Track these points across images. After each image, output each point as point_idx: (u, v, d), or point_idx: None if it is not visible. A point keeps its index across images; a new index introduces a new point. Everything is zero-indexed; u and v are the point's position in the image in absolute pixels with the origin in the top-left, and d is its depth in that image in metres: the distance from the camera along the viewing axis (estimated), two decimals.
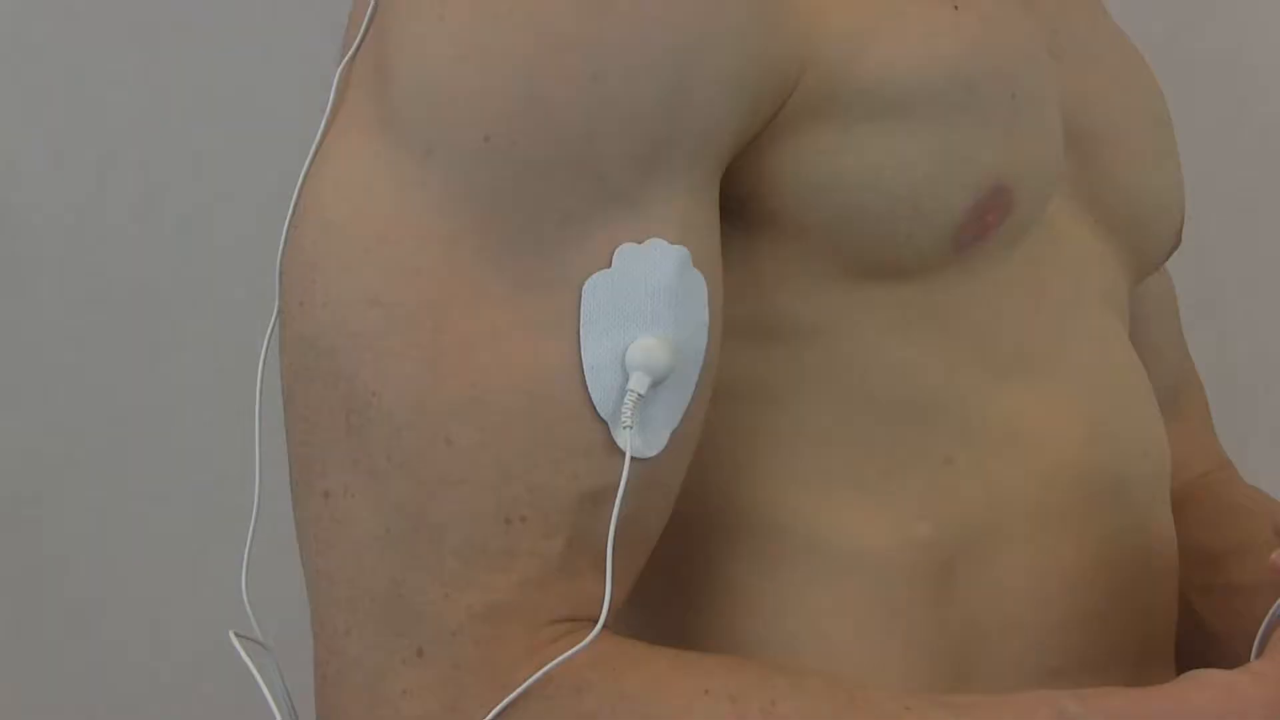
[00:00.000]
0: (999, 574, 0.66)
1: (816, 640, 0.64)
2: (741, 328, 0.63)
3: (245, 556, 0.62)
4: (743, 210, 0.62)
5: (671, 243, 0.56)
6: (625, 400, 0.55)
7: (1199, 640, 0.78)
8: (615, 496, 0.55)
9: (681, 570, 0.66)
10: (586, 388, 0.55)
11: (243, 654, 0.58)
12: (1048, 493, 0.67)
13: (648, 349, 0.55)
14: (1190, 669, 0.60)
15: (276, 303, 0.60)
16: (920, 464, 0.65)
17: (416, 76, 0.57)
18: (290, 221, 0.59)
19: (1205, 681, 0.58)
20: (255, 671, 0.57)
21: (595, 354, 0.55)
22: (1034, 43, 0.68)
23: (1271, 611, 0.61)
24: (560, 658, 0.54)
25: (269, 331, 0.62)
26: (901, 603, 0.64)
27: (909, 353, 0.65)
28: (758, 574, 0.65)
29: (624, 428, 0.55)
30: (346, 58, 0.61)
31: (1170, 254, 0.80)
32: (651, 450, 0.57)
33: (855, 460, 0.65)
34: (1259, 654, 0.61)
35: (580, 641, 0.54)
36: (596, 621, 0.55)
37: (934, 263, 0.64)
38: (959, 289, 0.65)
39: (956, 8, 0.63)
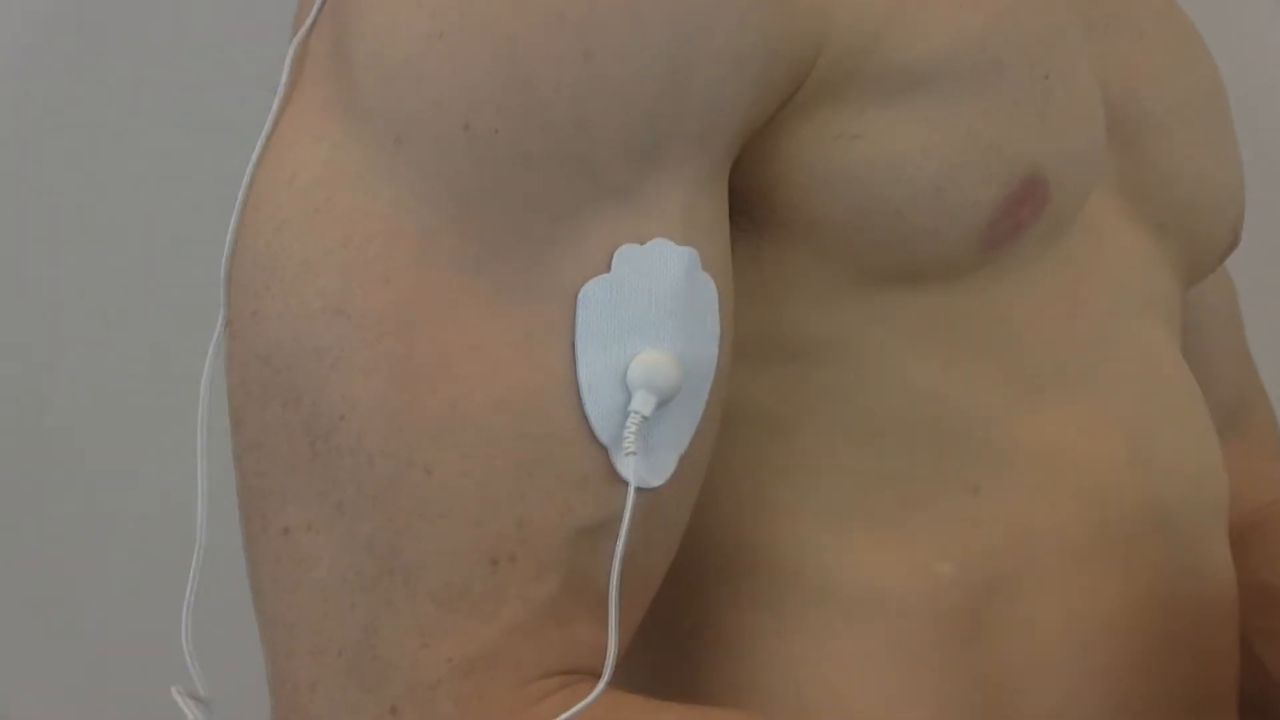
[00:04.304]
0: (1032, 616, 0.67)
1: (830, 692, 0.65)
2: (745, 345, 0.64)
3: (187, 601, 0.62)
4: (747, 208, 0.64)
5: (678, 243, 0.58)
6: (627, 423, 0.56)
7: (1264, 690, 0.79)
8: (616, 532, 0.56)
9: (680, 614, 0.67)
10: (583, 408, 0.56)
11: (187, 711, 0.59)
12: (1086, 526, 0.69)
13: (652, 364, 0.56)
14: None
15: (222, 313, 0.60)
16: (943, 494, 0.67)
17: (384, 55, 0.57)
18: (238, 220, 0.60)
19: None
20: None
21: (593, 370, 0.56)
22: (1070, 17, 0.69)
23: None
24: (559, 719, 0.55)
25: (213, 345, 0.62)
26: (924, 650, 0.66)
27: (931, 369, 0.67)
28: (763, 618, 0.66)
29: (626, 454, 0.56)
30: (301, 31, 0.61)
31: (1228, 254, 0.81)
32: (658, 479, 0.58)
33: (870, 491, 0.66)
34: None
35: (577, 698, 0.55)
36: (591, 673, 0.56)
37: (960, 265, 0.65)
38: (987, 296, 0.67)
39: None
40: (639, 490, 0.57)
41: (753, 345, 0.65)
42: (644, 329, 0.57)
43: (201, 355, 0.63)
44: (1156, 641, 0.70)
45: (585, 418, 0.56)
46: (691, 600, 0.67)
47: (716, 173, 0.60)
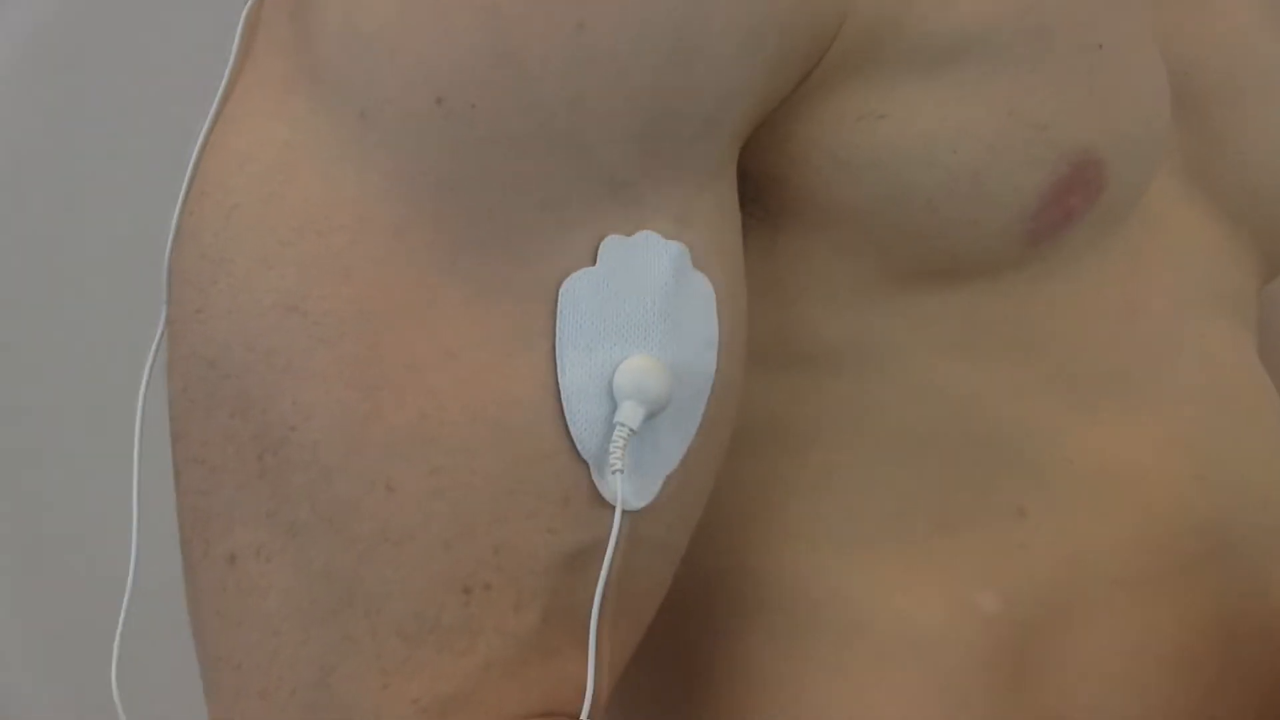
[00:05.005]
0: (1085, 654, 0.66)
1: None
2: (756, 349, 0.63)
3: (117, 638, 0.61)
4: (760, 195, 0.62)
5: (674, 235, 0.56)
6: (614, 436, 0.55)
7: None
8: (602, 557, 0.55)
9: (682, 651, 0.67)
10: (564, 419, 0.55)
11: None
12: (1144, 552, 0.67)
13: (641, 371, 0.55)
14: None
15: (164, 310, 0.59)
16: (984, 517, 0.66)
17: (350, 22, 0.55)
18: (183, 207, 0.58)
19: None
20: None
21: (575, 376, 0.55)
22: None
23: None
24: None
25: (154, 348, 0.61)
26: (962, 692, 0.65)
27: (968, 377, 0.65)
28: (777, 657, 0.65)
29: (612, 471, 0.55)
30: None
31: None
32: (643, 500, 0.56)
33: (900, 513, 0.65)
34: None
35: None
36: (577, 716, 0.55)
37: (1001, 261, 0.63)
38: (1032, 295, 0.66)
39: None
40: (628, 512, 0.56)
41: (764, 349, 0.64)
42: (632, 331, 0.56)
43: (141, 358, 0.62)
44: (1221, 678, 0.68)
45: (567, 431, 0.56)
46: (696, 632, 0.67)
47: (724, 157, 0.59)
